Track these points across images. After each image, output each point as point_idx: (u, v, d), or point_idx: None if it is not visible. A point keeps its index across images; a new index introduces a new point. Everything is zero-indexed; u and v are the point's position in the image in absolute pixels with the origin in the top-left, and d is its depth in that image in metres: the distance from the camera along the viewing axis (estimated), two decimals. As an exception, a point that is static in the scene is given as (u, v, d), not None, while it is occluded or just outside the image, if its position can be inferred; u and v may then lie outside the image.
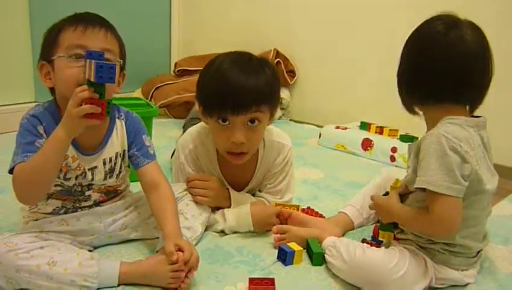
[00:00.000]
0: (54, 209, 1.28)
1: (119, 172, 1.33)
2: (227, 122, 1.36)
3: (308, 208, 1.64)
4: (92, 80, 1.03)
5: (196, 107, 2.67)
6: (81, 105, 1.05)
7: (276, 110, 1.45)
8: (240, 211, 1.46)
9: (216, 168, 1.52)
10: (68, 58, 1.15)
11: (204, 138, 1.50)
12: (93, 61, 1.03)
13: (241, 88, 1.31)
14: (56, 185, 1.24)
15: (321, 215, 1.61)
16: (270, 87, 1.37)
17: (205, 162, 1.52)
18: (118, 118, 1.31)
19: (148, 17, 3.41)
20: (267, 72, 1.37)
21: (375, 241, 1.43)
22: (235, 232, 1.46)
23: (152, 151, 1.35)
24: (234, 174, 1.53)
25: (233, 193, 1.51)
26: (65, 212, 1.29)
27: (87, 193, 1.29)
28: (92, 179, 1.27)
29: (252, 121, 1.36)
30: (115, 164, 1.30)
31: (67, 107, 1.07)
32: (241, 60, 1.38)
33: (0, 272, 1.09)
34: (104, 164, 1.28)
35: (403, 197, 1.28)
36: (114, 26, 1.24)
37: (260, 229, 1.45)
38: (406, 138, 2.40)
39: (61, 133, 1.09)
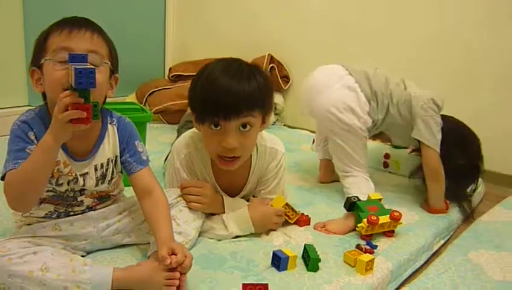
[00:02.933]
0: (46, 214, 1.28)
1: (111, 178, 1.32)
2: (219, 128, 1.36)
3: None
4: (73, 85, 1.02)
5: (189, 111, 2.69)
6: (66, 110, 1.04)
7: (268, 116, 1.46)
8: (239, 217, 1.47)
9: (210, 174, 1.52)
10: (54, 61, 1.14)
11: (198, 143, 1.50)
12: (72, 66, 1.02)
13: (232, 93, 1.32)
14: (48, 191, 1.24)
15: (307, 217, 1.62)
16: (261, 92, 1.37)
17: (199, 168, 1.52)
18: (110, 123, 1.31)
19: (142, 21, 3.41)
20: (258, 78, 1.37)
21: (370, 246, 1.43)
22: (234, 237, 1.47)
23: (145, 157, 1.35)
24: (228, 180, 1.54)
25: (226, 199, 1.51)
26: (58, 216, 1.29)
27: (79, 198, 1.29)
28: (84, 185, 1.27)
29: (244, 125, 1.37)
30: (107, 170, 1.30)
31: (53, 112, 1.06)
32: (232, 67, 1.38)
33: (-6, 277, 1.08)
34: (96, 170, 1.28)
35: None
36: (102, 29, 1.24)
37: (261, 230, 1.49)
38: (398, 145, 2.41)
39: (49, 139, 1.08)
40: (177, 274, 1.14)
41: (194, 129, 1.53)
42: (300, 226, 1.59)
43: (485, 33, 2.35)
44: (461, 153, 1.80)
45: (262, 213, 1.48)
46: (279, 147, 1.57)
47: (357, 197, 1.60)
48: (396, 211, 1.56)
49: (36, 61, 1.19)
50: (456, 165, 1.78)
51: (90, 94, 1.04)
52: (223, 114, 1.33)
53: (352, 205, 1.59)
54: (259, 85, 1.36)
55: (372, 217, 1.50)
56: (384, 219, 1.53)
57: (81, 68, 1.01)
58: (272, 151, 1.55)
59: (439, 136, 1.76)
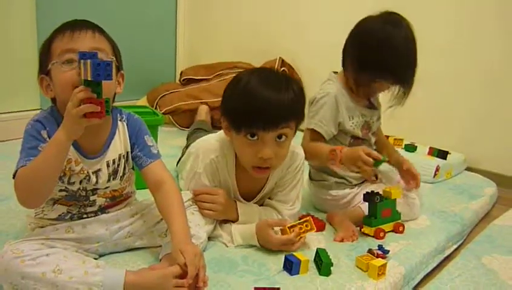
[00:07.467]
0: (59, 215, 1.28)
1: (123, 174, 1.33)
2: (255, 138, 1.36)
3: (308, 214, 1.62)
4: (89, 78, 1.04)
5: (198, 118, 2.69)
6: (80, 105, 1.06)
7: (300, 125, 1.46)
8: (246, 233, 1.45)
9: (232, 178, 1.51)
10: (61, 64, 1.17)
11: (225, 148, 1.49)
12: (89, 60, 1.04)
13: (272, 105, 1.32)
14: (61, 190, 1.25)
15: (322, 222, 1.62)
16: (298, 104, 1.39)
17: (223, 173, 1.50)
18: (120, 120, 1.33)
19: (153, 26, 3.42)
20: (295, 89, 1.39)
21: (382, 251, 1.42)
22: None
23: (155, 151, 1.36)
24: (248, 184, 1.53)
25: (240, 206, 1.51)
26: (71, 218, 1.29)
27: (91, 198, 1.30)
28: (96, 183, 1.27)
29: (280, 136, 1.37)
30: (118, 165, 1.31)
31: (66, 109, 1.08)
32: (269, 77, 1.40)
33: (7, 279, 1.09)
34: (108, 166, 1.29)
35: None
36: (102, 28, 1.26)
37: (267, 248, 1.44)
38: (410, 148, 2.40)
39: (61, 135, 1.10)
40: (186, 281, 1.14)
41: (218, 133, 1.52)
42: (315, 231, 1.58)
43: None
44: None
45: (269, 241, 1.42)
46: (299, 150, 1.57)
47: (379, 197, 1.56)
48: (402, 226, 1.61)
49: (43, 69, 1.22)
50: None
51: (102, 90, 1.07)
52: (262, 125, 1.33)
53: (371, 201, 1.56)
54: (296, 96, 1.38)
55: (380, 234, 1.55)
56: (388, 226, 1.58)
57: (99, 61, 1.03)
58: (293, 154, 1.54)
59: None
